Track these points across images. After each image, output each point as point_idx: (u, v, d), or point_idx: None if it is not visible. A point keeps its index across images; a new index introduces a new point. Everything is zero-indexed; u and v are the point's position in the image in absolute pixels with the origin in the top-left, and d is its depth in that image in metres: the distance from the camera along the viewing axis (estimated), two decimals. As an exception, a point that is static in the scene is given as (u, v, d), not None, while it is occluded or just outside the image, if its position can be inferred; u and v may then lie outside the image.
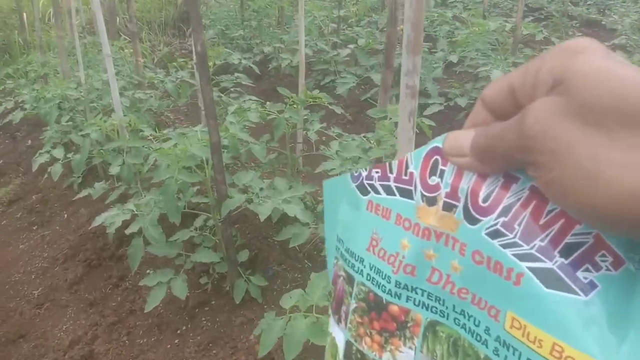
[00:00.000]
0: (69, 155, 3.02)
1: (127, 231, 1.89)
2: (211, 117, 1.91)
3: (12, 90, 5.06)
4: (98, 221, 2.11)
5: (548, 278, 0.34)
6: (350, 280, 0.51)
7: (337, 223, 0.54)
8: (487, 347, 0.39)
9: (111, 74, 2.41)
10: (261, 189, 2.03)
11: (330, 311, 0.55)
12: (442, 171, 0.41)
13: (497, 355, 0.38)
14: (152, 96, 3.19)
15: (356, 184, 0.50)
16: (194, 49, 1.78)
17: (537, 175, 0.33)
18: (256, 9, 4.96)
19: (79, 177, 3.45)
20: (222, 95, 3.12)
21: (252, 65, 3.33)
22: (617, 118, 0.28)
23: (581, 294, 0.33)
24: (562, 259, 0.34)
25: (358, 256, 0.49)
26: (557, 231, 0.34)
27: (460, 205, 0.40)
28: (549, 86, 0.32)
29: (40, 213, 3.46)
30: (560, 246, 0.34)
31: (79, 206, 3.24)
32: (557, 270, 0.34)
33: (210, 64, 3.22)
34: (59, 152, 3.03)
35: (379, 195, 0.47)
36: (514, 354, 0.37)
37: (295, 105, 2.49)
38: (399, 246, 0.45)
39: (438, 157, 0.42)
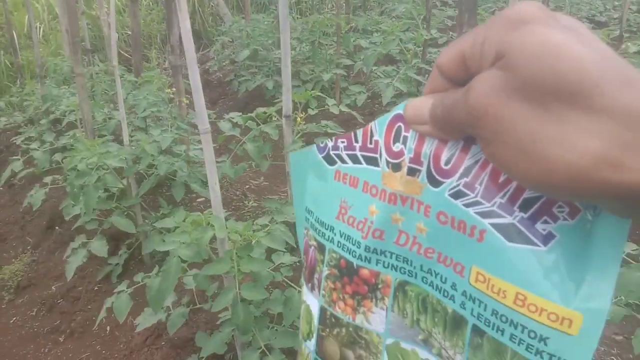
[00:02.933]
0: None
1: None
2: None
3: (15, 128, 4.12)
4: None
5: (509, 232, 0.36)
6: (321, 248, 0.52)
7: (305, 194, 0.54)
8: (454, 302, 0.42)
9: (209, 154, 1.54)
10: None
11: (302, 280, 0.55)
12: (405, 137, 0.42)
13: (464, 308, 0.41)
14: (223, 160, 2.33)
15: (322, 154, 0.50)
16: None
17: (482, 147, 0.34)
18: (309, 28, 4.08)
19: (116, 263, 2.59)
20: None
21: (352, 112, 2.48)
22: (554, 94, 0.28)
23: (540, 244, 0.35)
24: (522, 214, 0.36)
25: (328, 225, 0.50)
26: (516, 188, 0.36)
27: (424, 169, 0.41)
28: (493, 58, 0.31)
29: (66, 314, 2.56)
30: (519, 201, 0.36)
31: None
32: (518, 225, 0.36)
33: (302, 114, 2.36)
34: (101, 248, 2.16)
35: (346, 165, 0.48)
36: (479, 306, 0.39)
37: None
38: (367, 212, 0.46)
39: (401, 124, 0.42)
